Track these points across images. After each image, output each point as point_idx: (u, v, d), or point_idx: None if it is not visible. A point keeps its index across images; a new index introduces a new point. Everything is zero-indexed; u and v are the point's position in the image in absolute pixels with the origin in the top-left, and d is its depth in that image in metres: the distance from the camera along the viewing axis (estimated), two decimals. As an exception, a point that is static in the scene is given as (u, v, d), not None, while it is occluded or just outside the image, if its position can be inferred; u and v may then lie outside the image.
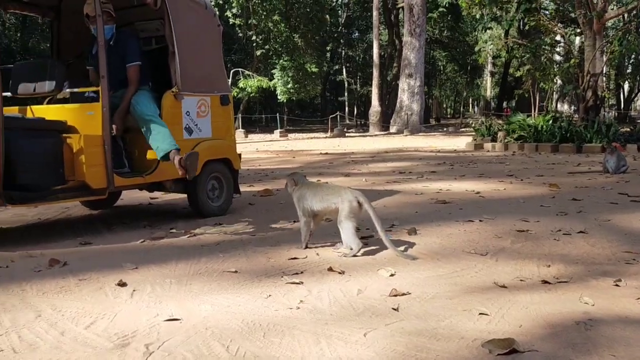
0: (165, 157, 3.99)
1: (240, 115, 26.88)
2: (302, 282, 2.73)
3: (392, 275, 2.83)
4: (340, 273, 2.88)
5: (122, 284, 2.72)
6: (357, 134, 26.03)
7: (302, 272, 2.91)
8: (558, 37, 20.61)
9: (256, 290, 2.63)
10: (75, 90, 4.05)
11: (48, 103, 4.27)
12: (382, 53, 32.89)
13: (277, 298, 2.53)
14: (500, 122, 15.37)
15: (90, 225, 4.42)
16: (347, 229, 3.20)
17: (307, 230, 3.35)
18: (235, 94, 25.95)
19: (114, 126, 3.98)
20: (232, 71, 26.14)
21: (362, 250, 3.23)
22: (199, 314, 2.33)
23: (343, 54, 42.79)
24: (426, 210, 4.72)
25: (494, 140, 13.10)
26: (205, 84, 4.61)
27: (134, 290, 2.65)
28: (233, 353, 1.95)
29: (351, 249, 3.22)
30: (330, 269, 2.93)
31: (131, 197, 5.80)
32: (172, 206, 5.35)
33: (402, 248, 3.36)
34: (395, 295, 2.51)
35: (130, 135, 4.24)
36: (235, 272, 2.94)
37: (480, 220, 4.14)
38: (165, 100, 4.27)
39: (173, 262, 3.15)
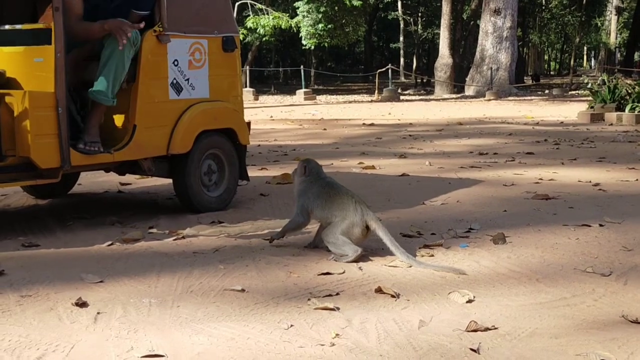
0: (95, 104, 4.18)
1: (247, 68, 27.00)
2: (337, 308, 2.74)
3: (469, 301, 2.82)
4: (393, 296, 2.88)
5: (81, 304, 2.77)
6: (417, 97, 25.93)
7: (337, 294, 2.92)
8: None
9: (272, 318, 2.65)
10: (18, 26, 4.09)
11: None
12: (456, -21, 32.53)
13: (302, 330, 2.54)
14: (629, 82, 15.08)
15: (37, 220, 4.50)
16: (333, 244, 3.48)
17: (293, 230, 3.71)
18: (241, 37, 26.05)
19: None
20: (237, 4, 26.22)
21: (357, 255, 3.41)
22: (191, 349, 2.36)
23: (398, -20, 42.46)
24: (519, 208, 4.68)
25: (620, 108, 12.89)
26: (201, 22, 4.63)
27: (98, 313, 2.69)
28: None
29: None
30: (379, 290, 2.94)
31: (93, 181, 5.89)
32: (151, 196, 5.42)
33: (472, 264, 3.35)
34: (475, 331, 2.50)
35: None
36: (242, 290, 2.97)
37: (600, 225, 4.10)
38: (144, 44, 4.30)
39: (153, 275, 3.19)
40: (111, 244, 3.80)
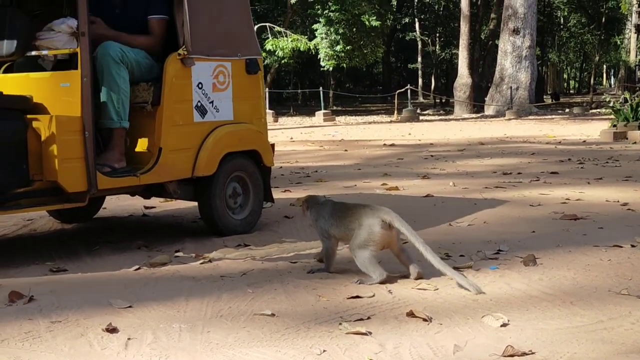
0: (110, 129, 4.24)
1: (267, 90, 27.11)
2: (369, 333, 2.70)
3: (504, 325, 2.78)
4: (425, 320, 2.84)
5: (111, 330, 2.75)
6: (437, 117, 25.90)
7: (368, 318, 2.89)
8: None
9: (304, 343, 2.62)
10: (45, 52, 4.13)
11: (6, 71, 4.37)
12: (474, -1, 32.61)
13: (335, 355, 2.51)
14: (652, 99, 14.96)
15: (63, 244, 4.51)
16: (360, 258, 3.44)
17: (332, 256, 3.66)
18: (260, 59, 26.17)
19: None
20: (256, 27, 26.37)
21: (383, 278, 3.38)
22: (223, 376, 2.33)
23: (416, 1, 42.65)
24: (548, 229, 4.63)
25: (643, 127, 12.79)
26: (224, 44, 4.65)
27: (128, 339, 2.67)
28: None
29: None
30: (411, 314, 2.90)
31: (117, 205, 5.91)
32: (175, 219, 5.42)
33: (503, 286, 3.31)
34: (512, 356, 2.45)
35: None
36: (272, 315, 2.94)
37: (632, 246, 4.04)
38: (168, 67, 4.32)
39: (182, 300, 3.17)
40: (138, 269, 3.79)
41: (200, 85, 4.50)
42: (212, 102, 4.57)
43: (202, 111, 4.53)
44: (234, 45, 4.73)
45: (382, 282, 3.38)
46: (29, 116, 3.88)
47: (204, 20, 4.50)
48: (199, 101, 4.50)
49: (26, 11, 4.45)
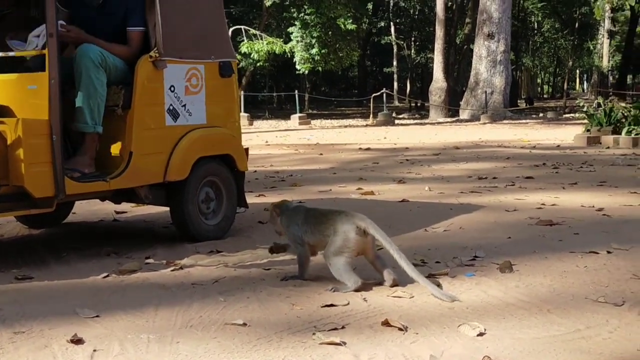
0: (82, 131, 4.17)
1: (242, 93, 26.97)
2: (344, 343, 2.64)
3: (480, 334, 2.72)
4: (401, 329, 2.78)
5: (77, 341, 2.67)
6: (412, 121, 25.94)
7: (343, 327, 2.83)
8: None
9: (276, 354, 2.55)
10: (12, 53, 4.03)
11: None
12: (449, 3, 32.76)
13: (308, 366, 2.44)
14: (625, 104, 15.08)
15: (30, 251, 4.40)
16: (334, 265, 3.38)
17: (306, 264, 3.57)
18: (235, 62, 26.06)
19: None
20: (231, 29, 26.25)
21: (358, 286, 3.33)
22: (192, 389, 2.25)
23: (391, 4, 42.77)
24: (524, 234, 4.60)
25: (616, 131, 12.85)
26: (197, 46, 4.58)
27: (94, 351, 2.59)
28: None
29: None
30: (386, 323, 2.84)
31: (88, 210, 5.79)
32: (147, 224, 5.33)
33: (479, 294, 3.26)
34: (489, 366, 2.40)
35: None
36: (244, 324, 2.87)
37: (608, 252, 4.02)
38: (139, 70, 4.24)
39: (151, 309, 3.09)
40: (107, 276, 3.70)
41: (172, 89, 4.42)
42: (184, 105, 4.49)
43: (174, 115, 4.44)
44: (207, 47, 4.66)
45: (356, 290, 3.32)
46: (-6, 120, 3.78)
47: (177, 22, 4.43)
48: (171, 104, 4.42)
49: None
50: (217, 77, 4.70)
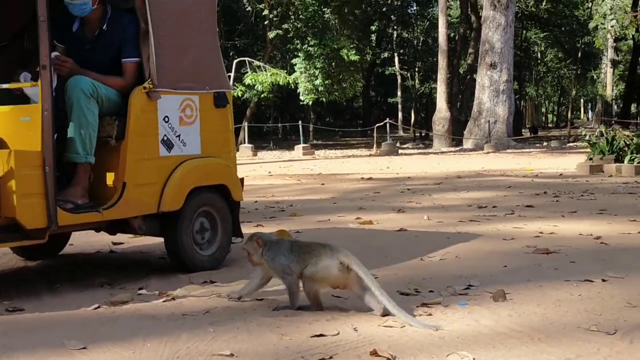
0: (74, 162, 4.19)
1: (246, 124, 27.10)
2: (331, 373, 2.61)
3: (469, 363, 2.69)
4: (389, 359, 2.75)
5: (61, 373, 2.64)
6: (416, 151, 25.96)
7: (330, 357, 2.80)
8: None
9: (261, 385, 2.52)
10: (5, 86, 4.05)
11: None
12: (452, 34, 32.97)
13: (292, 398, 2.41)
14: (627, 133, 15.09)
15: (24, 283, 4.39)
16: (307, 286, 3.47)
17: (297, 290, 3.55)
18: (239, 93, 26.25)
19: None
20: (235, 61, 26.47)
21: (311, 310, 3.45)
22: (174, 421, 2.22)
23: (395, 36, 43.06)
24: (520, 263, 4.57)
25: (619, 160, 12.85)
26: (192, 77, 4.59)
27: (78, 383, 2.56)
28: None
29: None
30: (374, 353, 2.81)
31: (85, 241, 5.78)
32: (143, 255, 5.31)
33: (471, 323, 3.24)
34: (475, 396, 2.37)
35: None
36: (231, 355, 2.84)
37: (603, 280, 3.99)
38: (133, 100, 4.25)
39: (139, 340, 3.06)
40: (98, 307, 3.67)
41: (166, 119, 4.43)
42: (178, 135, 4.50)
43: (169, 145, 4.45)
44: (201, 78, 4.67)
45: (300, 309, 3.48)
46: (-14, 151, 3.79)
47: (171, 53, 4.45)
48: (165, 135, 4.43)
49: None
50: (212, 108, 4.71)
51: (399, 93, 43.85)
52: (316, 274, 3.42)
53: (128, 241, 5.75)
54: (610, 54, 42.54)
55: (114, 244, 5.59)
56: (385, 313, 3.35)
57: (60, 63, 4.23)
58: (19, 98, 4.04)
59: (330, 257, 3.41)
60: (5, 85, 4.01)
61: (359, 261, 3.40)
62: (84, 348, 2.96)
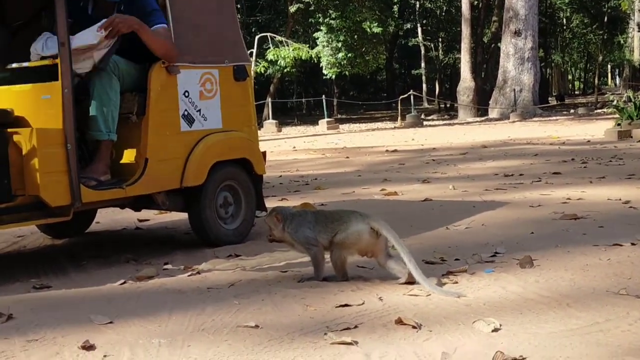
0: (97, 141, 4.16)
1: (270, 100, 27.07)
2: (355, 342, 2.60)
3: (495, 329, 2.67)
4: (414, 327, 2.73)
5: (88, 347, 2.65)
6: (441, 122, 25.80)
7: (356, 327, 2.79)
8: None
9: (286, 355, 2.52)
10: (25, 64, 4.05)
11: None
12: (475, 2, 32.54)
13: (317, 367, 2.40)
14: (657, 97, 14.83)
15: (51, 261, 4.42)
16: (335, 255, 3.45)
17: (322, 261, 3.53)
18: (262, 69, 26.17)
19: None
20: (257, 37, 26.39)
21: (340, 280, 3.45)
22: (199, 392, 2.23)
23: (417, 6, 42.61)
24: (547, 230, 4.51)
25: (647, 124, 12.68)
26: (211, 51, 4.57)
27: (104, 356, 2.58)
28: None
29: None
30: (399, 321, 2.79)
31: (112, 219, 5.82)
32: (169, 231, 5.33)
33: (498, 289, 3.21)
34: (502, 362, 2.34)
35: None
36: (256, 327, 2.83)
37: (632, 244, 3.93)
38: (153, 76, 4.24)
39: (165, 314, 3.07)
40: (124, 283, 3.69)
41: (186, 94, 4.42)
42: (199, 110, 4.48)
43: (189, 120, 4.44)
44: (220, 52, 4.65)
45: (325, 280, 3.47)
46: (9, 130, 3.80)
47: (189, 27, 4.43)
48: (185, 110, 4.41)
49: (5, 24, 4.39)
50: (232, 81, 4.68)
51: (422, 64, 43.46)
52: (347, 240, 3.38)
53: (154, 218, 5.78)
54: (637, 17, 41.69)
55: (140, 220, 5.62)
56: (410, 280, 3.32)
57: (120, 20, 4.13)
58: (40, 76, 4.01)
59: (362, 222, 3.37)
60: (25, 64, 4.01)
61: (389, 226, 3.37)
62: (110, 322, 2.97)
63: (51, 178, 3.79)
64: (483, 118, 25.47)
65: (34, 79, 4.00)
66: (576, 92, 56.51)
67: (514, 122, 21.87)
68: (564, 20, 47.67)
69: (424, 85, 44.05)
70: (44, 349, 2.69)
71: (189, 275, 3.81)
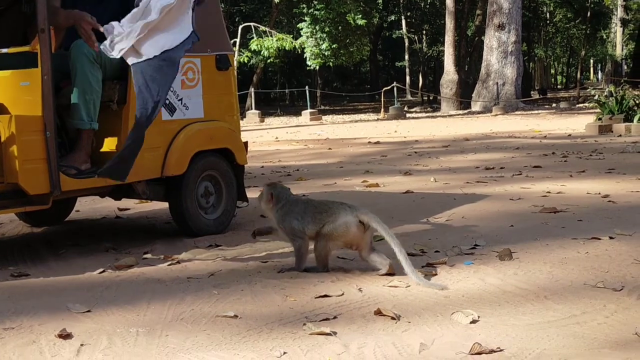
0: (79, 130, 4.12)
1: (253, 90, 26.98)
2: (334, 333, 2.60)
3: (473, 321, 2.68)
4: (393, 318, 2.74)
5: (65, 336, 2.64)
6: (424, 114, 25.85)
7: (335, 317, 2.79)
8: None
9: (264, 345, 2.51)
10: (4, 50, 4.01)
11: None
12: (459, -5, 32.57)
13: (295, 357, 2.41)
14: (637, 92, 14.94)
15: (30, 249, 4.39)
16: (320, 246, 3.43)
17: (305, 253, 3.50)
18: (244, 59, 26.08)
19: None
20: (240, 27, 26.28)
21: (321, 272, 3.45)
22: (177, 382, 2.22)
23: (402, -2, 42.59)
24: (527, 223, 4.54)
25: (628, 119, 12.74)
26: (193, 40, 4.53)
27: (81, 345, 2.57)
28: None
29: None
30: (378, 312, 2.80)
31: (91, 208, 5.78)
32: (149, 220, 5.30)
33: (476, 282, 3.22)
34: (480, 354, 2.36)
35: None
36: (235, 317, 2.83)
37: (610, 238, 3.96)
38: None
39: (144, 303, 3.06)
40: (103, 272, 3.67)
41: (168, 82, 4.38)
42: (181, 99, 4.46)
43: (171, 109, 4.40)
44: (203, 41, 4.59)
45: (305, 271, 3.47)
46: (-13, 117, 3.76)
47: (171, 15, 4.39)
48: (167, 99, 4.38)
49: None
50: (214, 71, 4.66)
51: (406, 57, 43.48)
52: (335, 231, 3.37)
53: (134, 207, 5.75)
54: (620, 12, 42.00)
55: (120, 209, 5.59)
56: (390, 272, 3.33)
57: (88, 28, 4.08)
58: (18, 62, 3.96)
59: (350, 214, 3.37)
60: (4, 50, 3.96)
61: (379, 218, 3.37)
62: (88, 311, 2.96)
63: (30, 166, 3.76)
64: (466, 111, 25.56)
65: (13, 65, 3.95)
66: (558, 87, 56.83)
67: (496, 115, 21.96)
68: (548, 14, 47.88)
69: (408, 78, 44.07)
70: (20, 337, 2.67)
71: (168, 265, 3.80)
